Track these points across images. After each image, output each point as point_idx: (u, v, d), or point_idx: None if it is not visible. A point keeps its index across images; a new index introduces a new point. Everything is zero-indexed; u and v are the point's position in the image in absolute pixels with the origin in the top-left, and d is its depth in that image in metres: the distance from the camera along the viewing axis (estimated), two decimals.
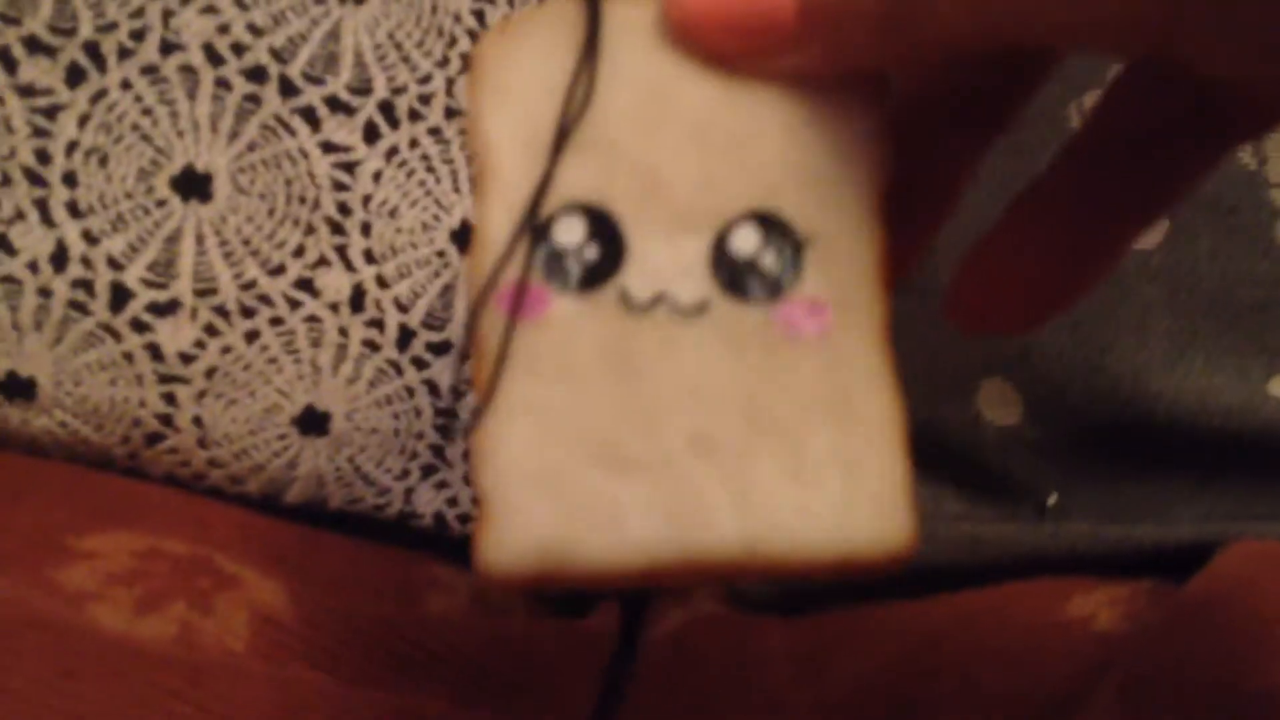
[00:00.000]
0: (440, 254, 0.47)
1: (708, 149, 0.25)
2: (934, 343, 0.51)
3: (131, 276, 0.44)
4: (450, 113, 0.47)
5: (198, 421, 0.46)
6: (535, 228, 0.25)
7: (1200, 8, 0.20)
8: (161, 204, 0.44)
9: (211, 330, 0.45)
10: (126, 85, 0.44)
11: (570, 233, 0.25)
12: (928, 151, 0.28)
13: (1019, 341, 0.49)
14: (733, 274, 0.25)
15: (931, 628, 0.44)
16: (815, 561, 0.24)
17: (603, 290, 0.25)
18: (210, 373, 0.45)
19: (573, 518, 0.24)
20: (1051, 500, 0.49)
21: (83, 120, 0.43)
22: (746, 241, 0.25)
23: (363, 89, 0.46)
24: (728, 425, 0.25)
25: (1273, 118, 0.25)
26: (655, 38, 0.25)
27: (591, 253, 0.25)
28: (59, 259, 0.44)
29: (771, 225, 0.25)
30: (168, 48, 0.44)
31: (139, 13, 0.44)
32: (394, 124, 0.46)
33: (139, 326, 0.44)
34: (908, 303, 0.53)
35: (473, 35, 0.47)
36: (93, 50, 0.43)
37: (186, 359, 0.45)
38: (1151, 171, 0.26)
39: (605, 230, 0.25)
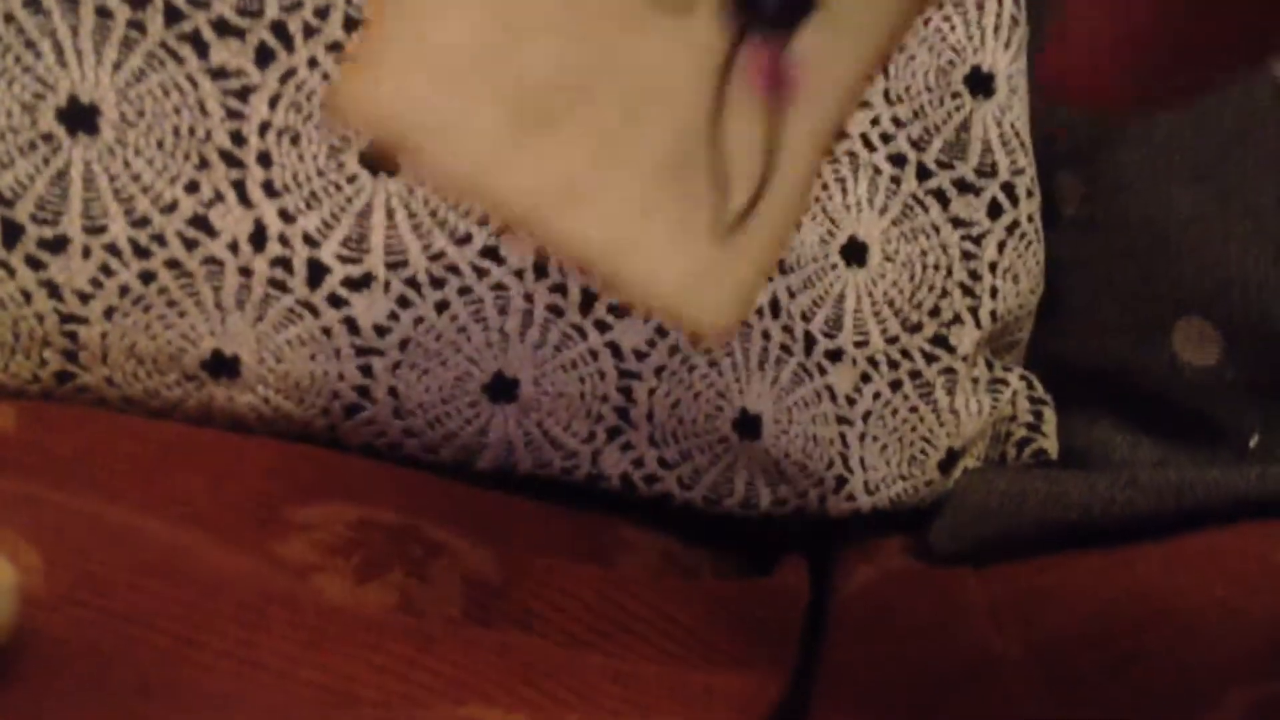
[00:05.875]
0: None
1: None
2: (1123, 282, 0.50)
3: (327, 252, 0.45)
4: None
5: (393, 392, 0.46)
6: None
7: None
8: (352, 179, 0.45)
9: (404, 302, 0.45)
10: (314, 63, 0.44)
11: None
12: None
13: (1217, 277, 0.47)
14: None
15: (1140, 577, 0.43)
16: (638, 298, 0.24)
17: None
18: (404, 344, 0.46)
19: (436, 104, 0.23)
20: (1253, 442, 0.48)
21: (273, 100, 0.44)
22: None
23: None
24: (650, 137, 0.23)
25: None
26: None
27: None
28: (258, 238, 0.44)
29: None
30: (351, 24, 0.44)
31: None
32: None
33: (336, 301, 0.45)
34: (1092, 242, 0.52)
35: None
36: (280, 30, 0.44)
37: (381, 331, 0.46)
38: None
39: None
